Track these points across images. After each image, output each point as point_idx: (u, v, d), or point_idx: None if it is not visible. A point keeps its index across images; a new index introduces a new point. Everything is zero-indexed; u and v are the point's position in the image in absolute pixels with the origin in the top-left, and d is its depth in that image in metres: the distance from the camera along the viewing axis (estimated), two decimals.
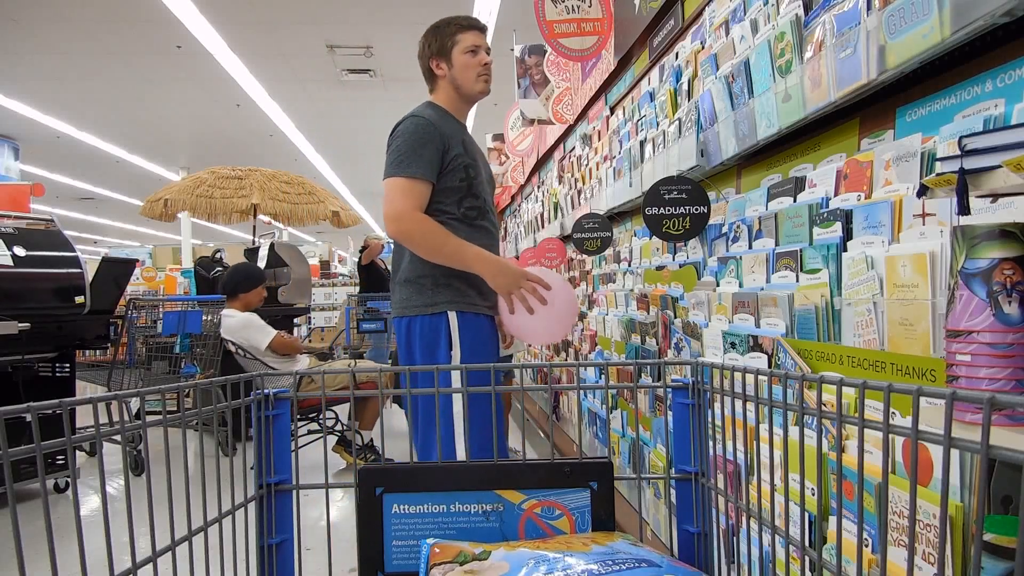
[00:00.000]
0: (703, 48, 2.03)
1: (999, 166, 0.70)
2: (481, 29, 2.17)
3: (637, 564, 0.73)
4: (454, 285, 2.03)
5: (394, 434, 5.31)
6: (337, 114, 9.58)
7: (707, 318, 1.78)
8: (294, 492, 0.96)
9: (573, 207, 3.90)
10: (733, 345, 1.56)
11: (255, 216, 6.40)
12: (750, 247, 1.65)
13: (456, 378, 1.91)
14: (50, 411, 0.61)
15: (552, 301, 2.00)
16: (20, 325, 3.44)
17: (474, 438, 1.91)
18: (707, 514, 0.93)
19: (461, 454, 1.97)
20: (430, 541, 0.81)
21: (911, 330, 1.03)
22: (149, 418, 0.78)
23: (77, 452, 4.62)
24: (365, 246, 7.54)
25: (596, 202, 3.23)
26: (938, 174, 0.77)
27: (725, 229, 1.85)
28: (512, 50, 4.56)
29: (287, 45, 7.01)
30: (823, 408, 0.64)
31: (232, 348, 4.17)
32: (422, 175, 1.98)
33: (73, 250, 3.90)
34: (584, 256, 3.57)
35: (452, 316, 2.02)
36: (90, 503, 3.83)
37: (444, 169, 2.03)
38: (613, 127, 3.09)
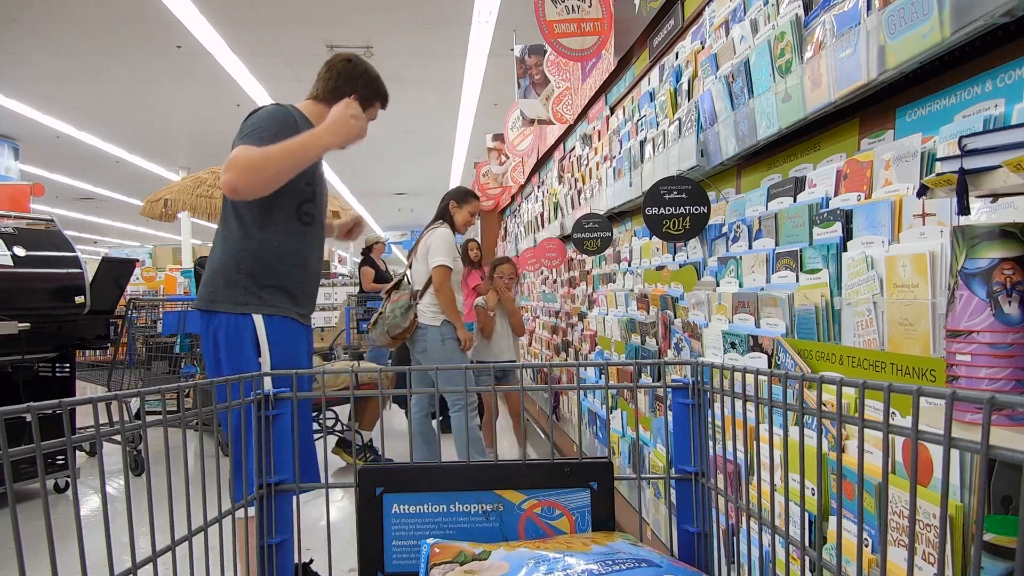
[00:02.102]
0: (703, 48, 2.03)
1: (999, 166, 0.70)
2: (383, 109, 2.30)
3: (637, 564, 0.73)
4: (267, 289, 1.94)
5: (394, 434, 5.31)
6: None
7: (707, 318, 1.78)
8: (294, 492, 0.96)
9: (573, 207, 3.90)
10: (733, 345, 1.56)
11: None
12: (750, 247, 1.65)
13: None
14: (50, 411, 0.61)
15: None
16: (20, 325, 3.44)
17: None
18: (707, 514, 0.93)
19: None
20: (430, 541, 0.81)
21: (911, 330, 1.03)
22: (149, 418, 0.78)
23: (77, 452, 4.62)
24: (368, 247, 7.54)
25: (596, 202, 3.23)
26: (938, 174, 0.77)
27: (725, 229, 1.85)
28: (512, 50, 4.56)
29: (287, 45, 7.00)
30: (823, 408, 0.64)
31: None
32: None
33: (73, 250, 3.90)
34: (584, 256, 3.57)
35: (259, 319, 1.92)
36: (90, 503, 3.83)
37: None
38: (613, 127, 3.09)
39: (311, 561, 2.49)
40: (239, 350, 1.91)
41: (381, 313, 3.54)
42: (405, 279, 3.68)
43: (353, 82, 2.15)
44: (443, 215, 3.75)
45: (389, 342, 3.55)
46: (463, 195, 3.80)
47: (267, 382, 0.98)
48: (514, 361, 4.21)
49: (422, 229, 3.88)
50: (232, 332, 1.92)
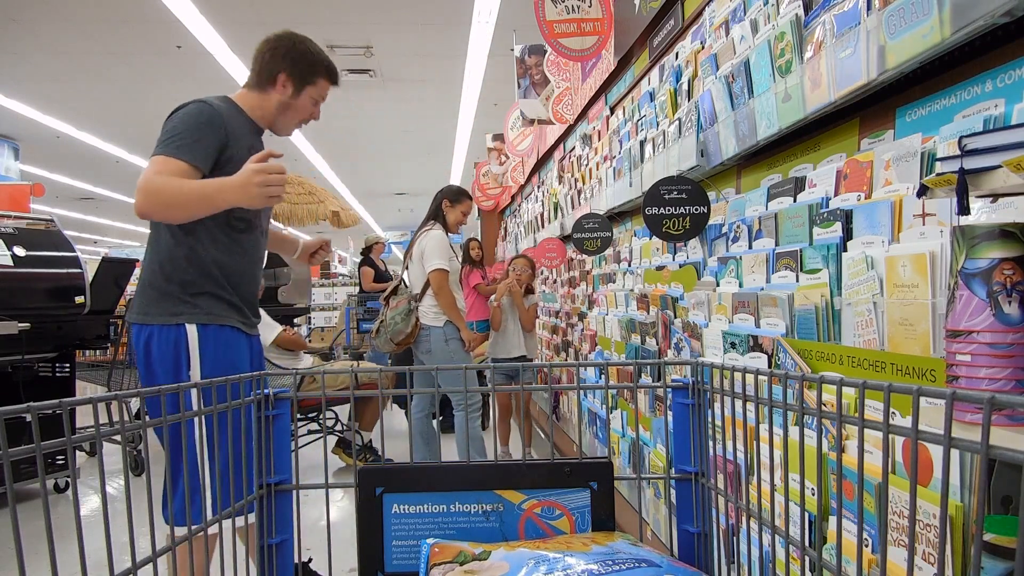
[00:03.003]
0: (703, 48, 2.03)
1: (999, 166, 0.70)
2: (335, 85, 2.11)
3: (637, 564, 0.73)
4: (201, 297, 1.84)
5: (394, 434, 5.31)
6: (337, 114, 9.58)
7: (707, 318, 1.78)
8: (294, 492, 0.96)
9: (573, 207, 3.90)
10: (733, 345, 1.56)
11: None
12: (750, 247, 1.65)
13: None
14: (50, 411, 0.61)
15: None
16: (20, 325, 3.44)
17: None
18: (707, 514, 0.93)
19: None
20: (430, 541, 0.81)
21: (911, 330, 1.03)
22: (149, 418, 0.78)
23: (77, 452, 4.61)
24: (368, 247, 7.54)
25: (596, 202, 3.23)
26: (938, 174, 0.77)
27: (725, 229, 1.85)
28: (512, 50, 4.56)
29: None
30: (823, 408, 0.64)
31: None
32: (188, 159, 1.74)
33: (73, 250, 3.90)
34: (584, 256, 3.57)
35: (192, 329, 1.80)
36: (90, 503, 3.83)
37: (219, 165, 1.82)
38: (613, 127, 3.09)
39: (310, 560, 2.49)
40: (174, 363, 1.80)
41: (382, 321, 3.55)
42: (402, 284, 3.70)
43: (277, 60, 1.95)
44: (436, 214, 3.76)
45: (394, 348, 3.56)
46: (456, 194, 3.82)
47: (265, 381, 0.97)
48: (525, 356, 4.22)
49: (414, 230, 3.90)
50: (164, 344, 1.80)
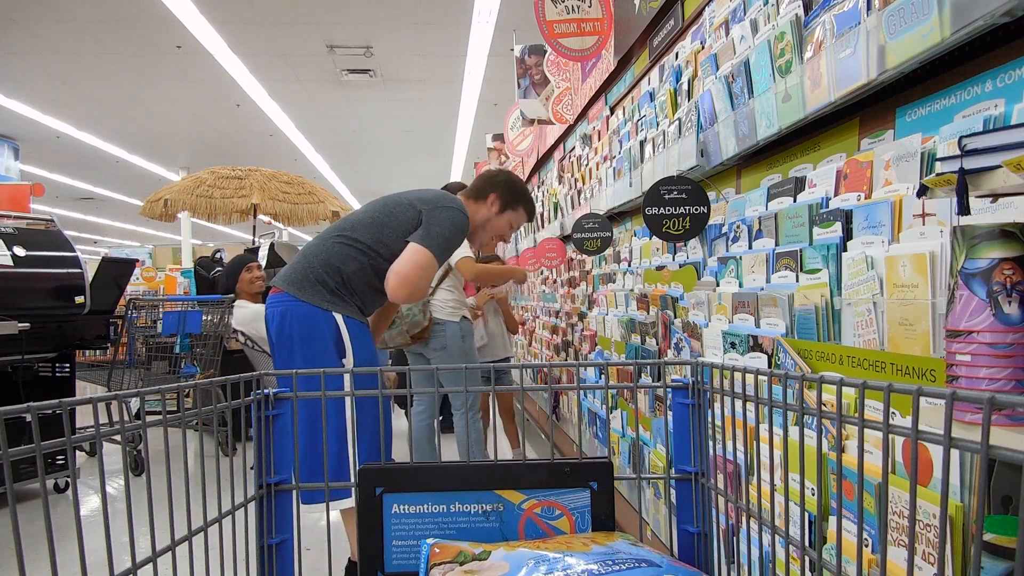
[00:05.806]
0: (703, 48, 2.03)
1: (999, 166, 0.70)
2: (530, 221, 2.64)
3: (637, 564, 0.73)
4: (348, 302, 2.17)
5: (394, 434, 5.31)
6: (337, 114, 9.59)
7: (707, 318, 1.78)
8: (294, 492, 0.96)
9: (573, 207, 3.90)
10: (733, 345, 1.56)
11: (255, 216, 6.40)
12: (750, 247, 1.65)
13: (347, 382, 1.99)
14: (50, 411, 0.61)
15: None
16: (20, 325, 3.44)
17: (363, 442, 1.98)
18: (707, 514, 0.93)
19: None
20: (430, 541, 0.81)
21: (911, 330, 1.03)
22: (149, 418, 0.78)
23: (77, 452, 4.61)
24: None
25: (596, 202, 3.23)
26: (938, 174, 0.77)
27: (725, 229, 1.85)
28: (512, 50, 4.56)
29: (287, 45, 7.00)
30: (823, 408, 0.64)
31: (241, 339, 4.16)
32: (439, 261, 2.18)
33: (73, 250, 3.90)
34: (584, 256, 3.57)
35: (339, 318, 2.11)
36: (90, 503, 3.83)
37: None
38: (613, 127, 3.09)
39: None
40: (315, 342, 2.08)
41: (398, 313, 3.46)
42: None
43: (494, 184, 2.45)
44: None
45: (408, 342, 3.48)
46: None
47: (265, 381, 0.97)
48: (510, 356, 4.19)
49: None
50: (307, 323, 2.08)
